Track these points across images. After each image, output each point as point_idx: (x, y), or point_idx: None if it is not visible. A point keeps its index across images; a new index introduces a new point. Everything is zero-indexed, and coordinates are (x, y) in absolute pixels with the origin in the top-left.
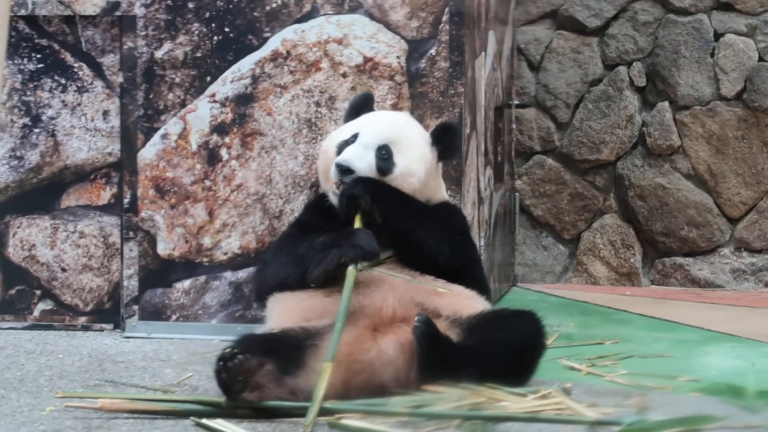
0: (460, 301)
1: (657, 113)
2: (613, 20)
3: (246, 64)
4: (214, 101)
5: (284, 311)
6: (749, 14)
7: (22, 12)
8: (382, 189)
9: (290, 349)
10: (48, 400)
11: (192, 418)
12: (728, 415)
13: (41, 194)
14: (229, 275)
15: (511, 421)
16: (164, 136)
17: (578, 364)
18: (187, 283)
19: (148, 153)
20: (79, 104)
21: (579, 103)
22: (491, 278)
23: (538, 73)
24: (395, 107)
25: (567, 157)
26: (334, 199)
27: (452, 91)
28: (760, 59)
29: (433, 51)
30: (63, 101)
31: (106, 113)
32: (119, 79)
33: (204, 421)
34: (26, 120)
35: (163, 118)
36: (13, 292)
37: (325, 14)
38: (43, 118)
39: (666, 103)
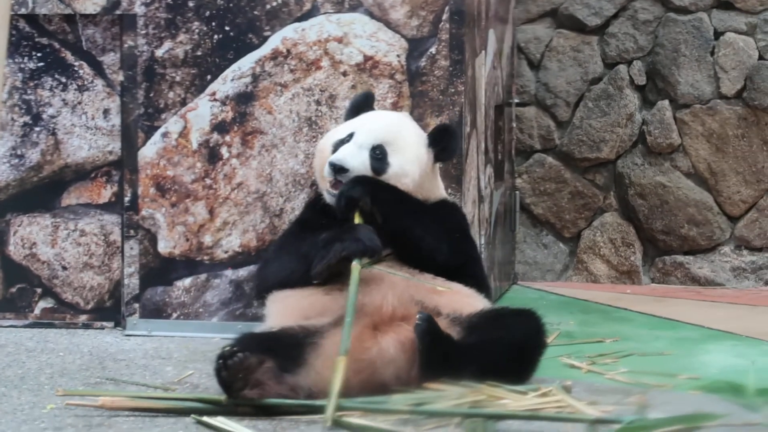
0: (459, 300)
1: (657, 112)
2: (613, 19)
3: (246, 63)
4: (215, 100)
5: (284, 309)
6: (749, 13)
7: (23, 11)
8: (380, 188)
9: (290, 347)
10: (49, 398)
11: (193, 415)
12: (728, 412)
13: (42, 193)
14: (229, 273)
15: (511, 419)
16: (165, 135)
17: (578, 362)
18: (187, 281)
19: (148, 151)
20: (79, 103)
21: (579, 101)
22: (491, 276)
23: (539, 72)
24: (395, 106)
25: (567, 156)
26: (328, 198)
27: (452, 90)
28: (760, 58)
29: (433, 49)
30: (63, 100)
31: (106, 112)
32: (120, 77)
33: (205, 418)
34: (27, 118)
35: (163, 116)
36: (14, 290)
37: (325, 13)
38: (44, 116)
39: (666, 102)
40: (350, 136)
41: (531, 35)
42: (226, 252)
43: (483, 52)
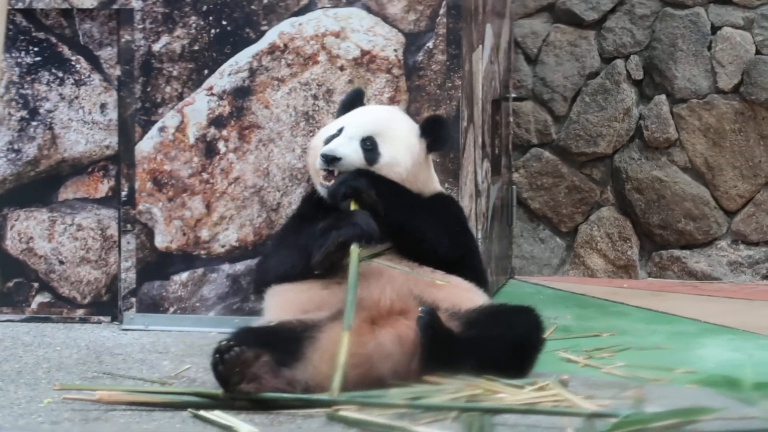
0: (458, 294)
1: (654, 106)
2: (610, 13)
3: (243, 57)
4: (212, 94)
5: (282, 304)
6: (746, 7)
7: (20, 5)
8: (381, 182)
9: (287, 341)
10: (46, 392)
11: (189, 409)
12: (725, 406)
13: (39, 187)
14: (226, 268)
15: (508, 413)
16: (162, 129)
17: (575, 356)
18: (184, 276)
19: (145, 146)
20: (76, 97)
21: (576, 96)
22: (489, 271)
23: (536, 66)
24: (392, 100)
25: (564, 150)
26: (322, 191)
27: (449, 84)
28: (757, 52)
29: (430, 44)
30: (60, 94)
31: (103, 106)
32: (117, 72)
33: (201, 412)
34: (24, 113)
35: (160, 111)
36: (11, 284)
37: (322, 7)
38: (41, 111)
39: (663, 96)
40: (340, 130)
41: (528, 30)
42: (223, 246)
43: (480, 46)
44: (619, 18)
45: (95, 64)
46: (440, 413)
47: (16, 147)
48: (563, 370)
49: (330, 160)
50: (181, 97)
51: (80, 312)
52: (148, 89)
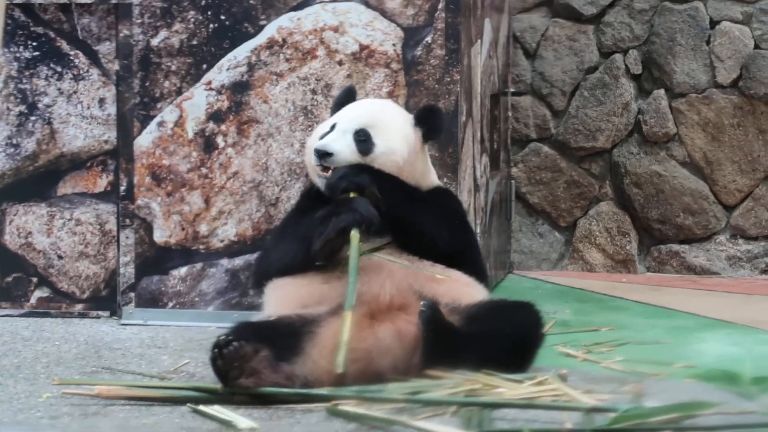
0: (458, 288)
1: (653, 101)
2: (609, 8)
3: (242, 52)
4: (210, 89)
5: (281, 298)
6: (745, 2)
7: (19, 0)
8: (380, 177)
9: (287, 336)
10: (45, 387)
11: (189, 404)
12: (723, 401)
13: (37, 182)
14: (225, 262)
15: (507, 408)
16: (160, 124)
17: (574, 350)
18: (183, 271)
19: (144, 141)
20: (75, 92)
21: (575, 90)
22: (488, 265)
23: (534, 61)
24: (391, 95)
25: (563, 145)
26: (319, 182)
27: (448, 79)
28: (756, 47)
29: (429, 39)
30: (59, 89)
31: (102, 101)
32: (115, 66)
33: (200, 407)
34: (22, 108)
35: (159, 105)
36: (9, 279)
37: (320, 2)
38: (40, 105)
39: (662, 91)
40: (333, 126)
41: (527, 24)
42: (221, 241)
43: (479, 41)
44: (618, 12)
45: (94, 58)
46: (439, 408)
47: (14, 142)
48: (562, 364)
49: (322, 155)
50: (179, 92)
51: (79, 307)
52: (147, 84)
